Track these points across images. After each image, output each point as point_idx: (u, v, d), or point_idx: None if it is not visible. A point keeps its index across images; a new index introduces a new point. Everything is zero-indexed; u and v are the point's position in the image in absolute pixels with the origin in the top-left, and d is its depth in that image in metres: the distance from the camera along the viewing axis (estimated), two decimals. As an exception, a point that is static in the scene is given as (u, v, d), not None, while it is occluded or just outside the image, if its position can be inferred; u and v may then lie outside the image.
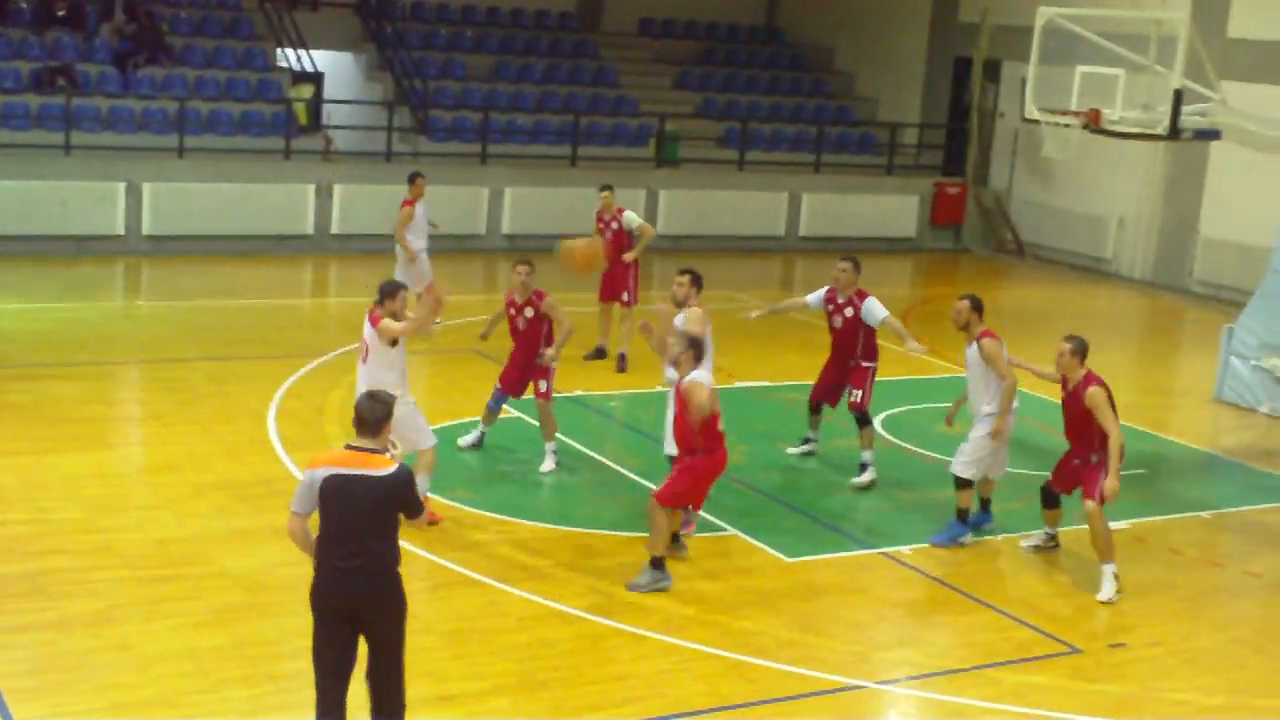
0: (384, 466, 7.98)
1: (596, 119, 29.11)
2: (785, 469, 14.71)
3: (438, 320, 13.34)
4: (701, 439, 11.28)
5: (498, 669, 9.94)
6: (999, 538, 13.25)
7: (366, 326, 12.15)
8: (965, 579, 12.23)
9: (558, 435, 14.26)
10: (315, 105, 28.68)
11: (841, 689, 10.11)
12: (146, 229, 23.80)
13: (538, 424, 14.48)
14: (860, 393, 14.46)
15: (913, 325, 22.01)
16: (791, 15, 35.17)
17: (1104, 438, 11.81)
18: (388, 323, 11.96)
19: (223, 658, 9.83)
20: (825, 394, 14.85)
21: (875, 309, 14.28)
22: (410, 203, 19.65)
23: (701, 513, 13.04)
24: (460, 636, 10.39)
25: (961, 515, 12.98)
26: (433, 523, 11.98)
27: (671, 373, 12.06)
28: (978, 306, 12.88)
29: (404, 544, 8.54)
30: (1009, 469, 13.70)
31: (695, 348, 11.35)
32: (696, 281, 13.08)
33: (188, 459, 13.82)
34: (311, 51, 28.91)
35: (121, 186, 23.60)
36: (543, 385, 14.14)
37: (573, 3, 32.92)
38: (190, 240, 24.00)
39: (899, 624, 11.38)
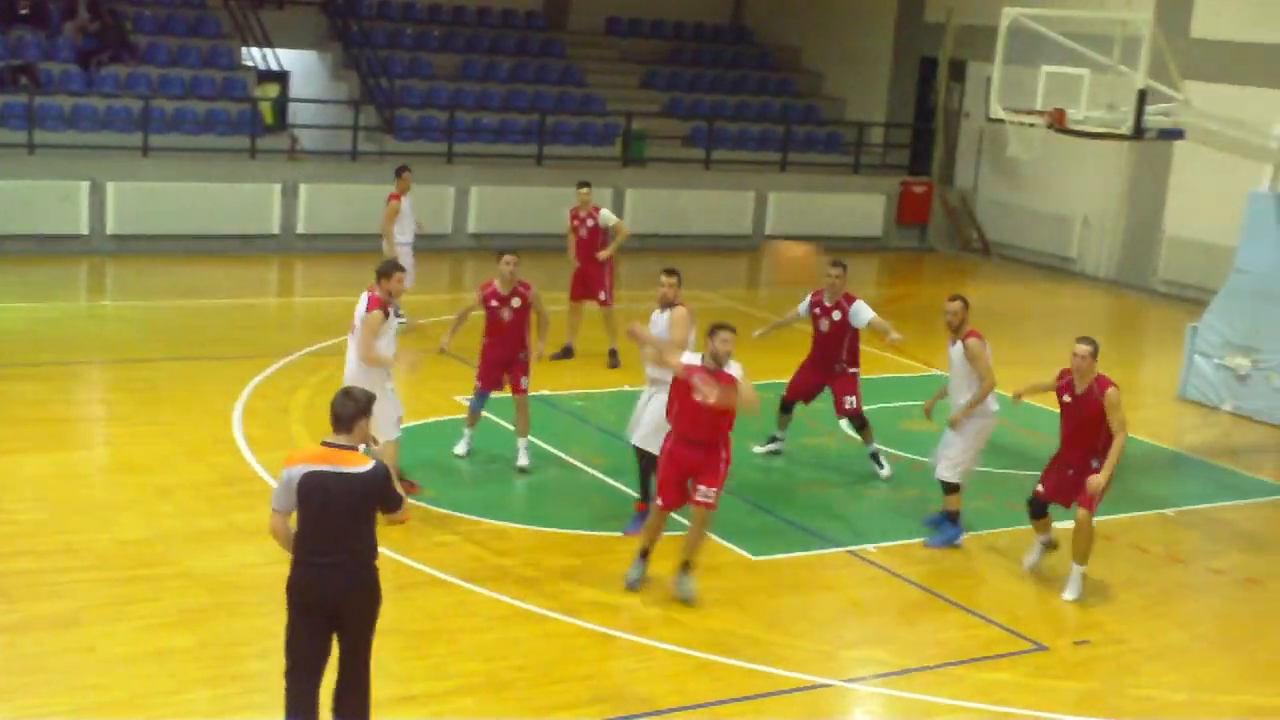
0: (360, 463, 7.99)
1: (563, 118, 29.09)
2: (751, 467, 14.71)
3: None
4: (725, 429, 11.26)
5: (464, 669, 9.93)
6: (964, 535, 13.29)
7: (360, 304, 12.29)
8: (931, 577, 12.27)
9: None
10: (281, 104, 28.58)
11: (808, 687, 10.13)
12: (110, 228, 23.68)
13: (506, 422, 14.47)
14: (853, 399, 14.58)
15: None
16: (758, 15, 35.22)
17: (1108, 441, 11.64)
18: (366, 338, 12.16)
19: (189, 658, 9.80)
20: (801, 393, 14.90)
21: (863, 311, 14.38)
22: (396, 197, 19.66)
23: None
24: (426, 636, 10.37)
25: (953, 518, 13.02)
26: (410, 491, 12.19)
27: (654, 371, 12.21)
28: (967, 307, 13.00)
29: (370, 544, 8.50)
30: (1009, 470, 13.84)
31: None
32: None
33: (152, 459, 13.76)
34: (277, 50, 28.82)
35: (85, 186, 23.48)
36: (523, 381, 14.12)
37: (539, 2, 32.89)
38: (155, 240, 23.89)
39: (865, 622, 11.40)
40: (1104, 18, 19.44)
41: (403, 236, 19.66)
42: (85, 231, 23.55)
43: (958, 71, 30.99)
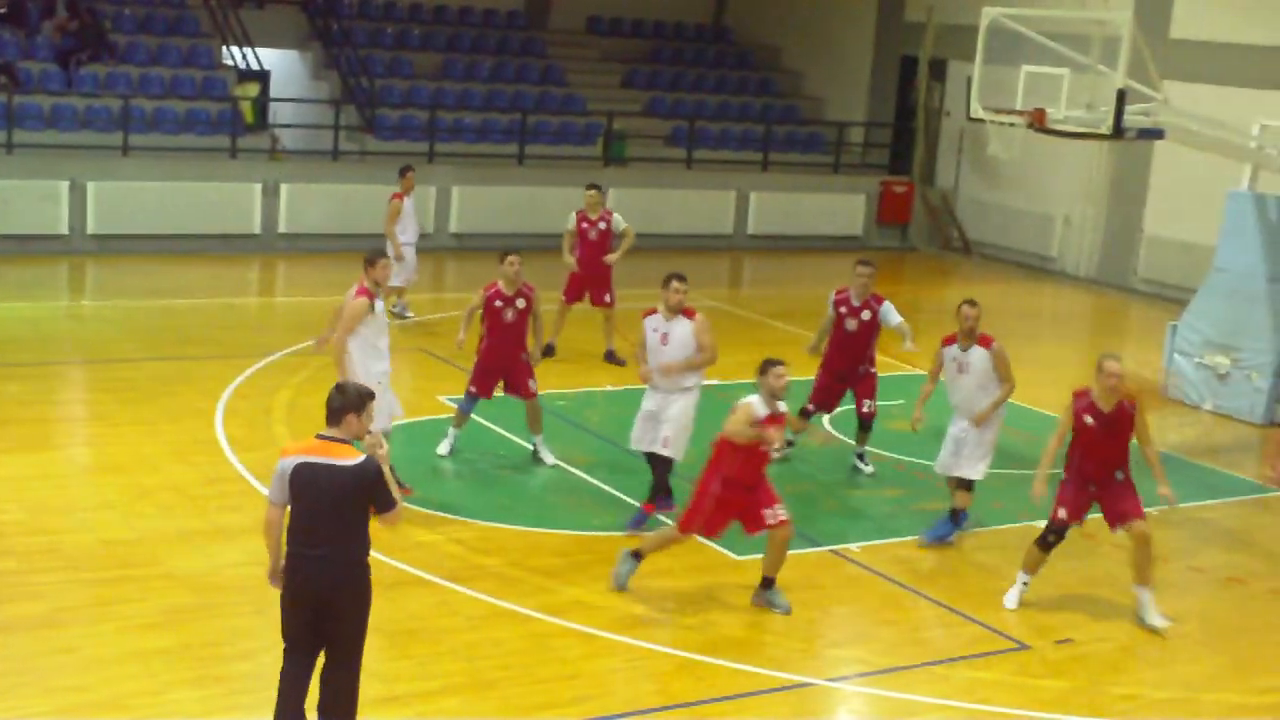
0: (349, 456, 7.99)
1: (544, 117, 29.07)
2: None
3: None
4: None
5: (447, 669, 9.92)
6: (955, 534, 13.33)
7: (349, 293, 12.50)
8: (914, 576, 12.29)
9: (506, 434, 14.24)
10: (261, 103, 28.49)
11: (791, 686, 10.14)
12: (91, 228, 23.60)
13: (488, 421, 14.48)
14: (871, 403, 14.57)
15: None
16: (739, 14, 35.23)
17: (1126, 454, 11.45)
18: (340, 335, 12.27)
19: (171, 659, 9.77)
20: (825, 400, 14.73)
21: (892, 313, 14.39)
22: (400, 196, 19.68)
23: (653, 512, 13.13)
24: (409, 636, 10.36)
25: (956, 516, 13.09)
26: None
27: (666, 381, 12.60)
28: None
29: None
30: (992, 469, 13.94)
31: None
32: None
33: (134, 460, 13.73)
34: (257, 49, 28.73)
35: (65, 185, 23.41)
36: (530, 384, 14.14)
37: (520, 1, 32.87)
38: (135, 239, 23.82)
39: (848, 621, 11.42)
40: (1083, 17, 19.46)
41: (404, 236, 19.70)
42: (65, 231, 23.48)
43: (938, 71, 31.04)
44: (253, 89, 28.33)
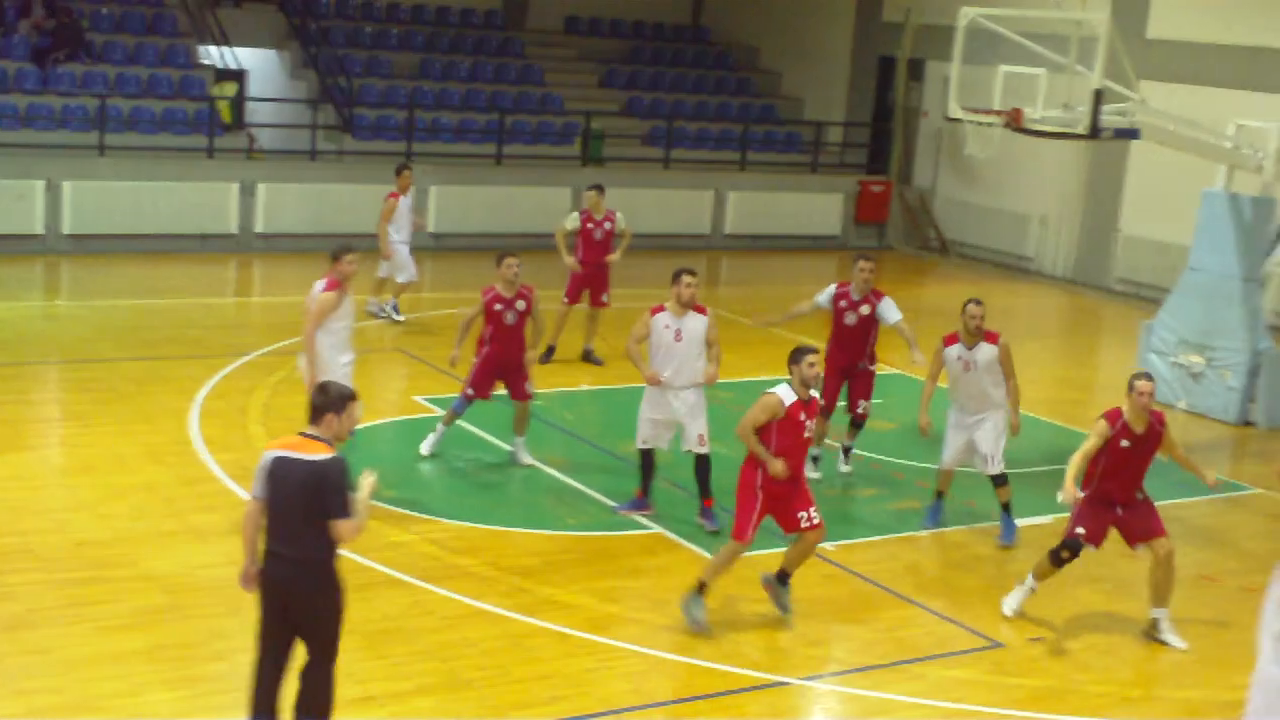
0: (319, 452, 7.97)
1: (522, 117, 29.06)
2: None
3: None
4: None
5: (421, 669, 9.92)
6: (923, 533, 13.36)
7: (315, 287, 12.73)
8: (889, 575, 12.31)
9: (482, 434, 14.23)
10: (238, 103, 28.46)
11: (766, 685, 10.16)
12: (67, 228, 23.54)
13: (463, 421, 14.49)
14: (866, 404, 14.55)
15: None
16: (717, 14, 35.26)
17: (1146, 471, 11.41)
18: (309, 328, 12.44)
19: (145, 661, 9.75)
20: (827, 396, 14.44)
21: (892, 309, 14.32)
22: (395, 195, 19.73)
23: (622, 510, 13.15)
24: (383, 636, 10.35)
25: (1007, 508, 13.26)
26: None
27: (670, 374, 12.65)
28: None
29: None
30: (918, 464, 13.86)
31: None
32: None
33: (108, 460, 13.69)
34: (235, 49, 28.69)
35: (41, 185, 23.33)
36: (527, 386, 14.17)
37: (498, 1, 32.86)
38: (111, 239, 23.76)
39: (823, 620, 11.43)
40: (1060, 18, 19.53)
41: (398, 235, 19.75)
42: (41, 231, 23.40)
43: (916, 71, 31.10)
44: (230, 88, 28.29)
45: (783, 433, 10.67)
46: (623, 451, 15.02)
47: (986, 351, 12.97)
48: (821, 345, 13.47)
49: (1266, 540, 14.01)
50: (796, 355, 10.76)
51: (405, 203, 19.87)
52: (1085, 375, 21.35)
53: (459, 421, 14.53)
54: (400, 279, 20.00)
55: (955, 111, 18.24)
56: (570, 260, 18.22)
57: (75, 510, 12.40)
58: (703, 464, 12.92)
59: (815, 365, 10.72)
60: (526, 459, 14.29)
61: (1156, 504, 11.54)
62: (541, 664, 10.17)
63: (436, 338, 19.12)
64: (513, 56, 31.30)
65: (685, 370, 12.77)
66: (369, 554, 11.59)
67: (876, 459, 15.27)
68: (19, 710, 9.01)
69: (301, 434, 8.14)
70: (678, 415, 12.87)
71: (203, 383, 16.28)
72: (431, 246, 25.85)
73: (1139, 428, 11.17)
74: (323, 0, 30.42)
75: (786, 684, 10.25)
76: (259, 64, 29.97)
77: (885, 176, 31.37)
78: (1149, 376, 11.30)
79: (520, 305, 14.00)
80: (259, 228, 24.95)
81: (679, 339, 12.73)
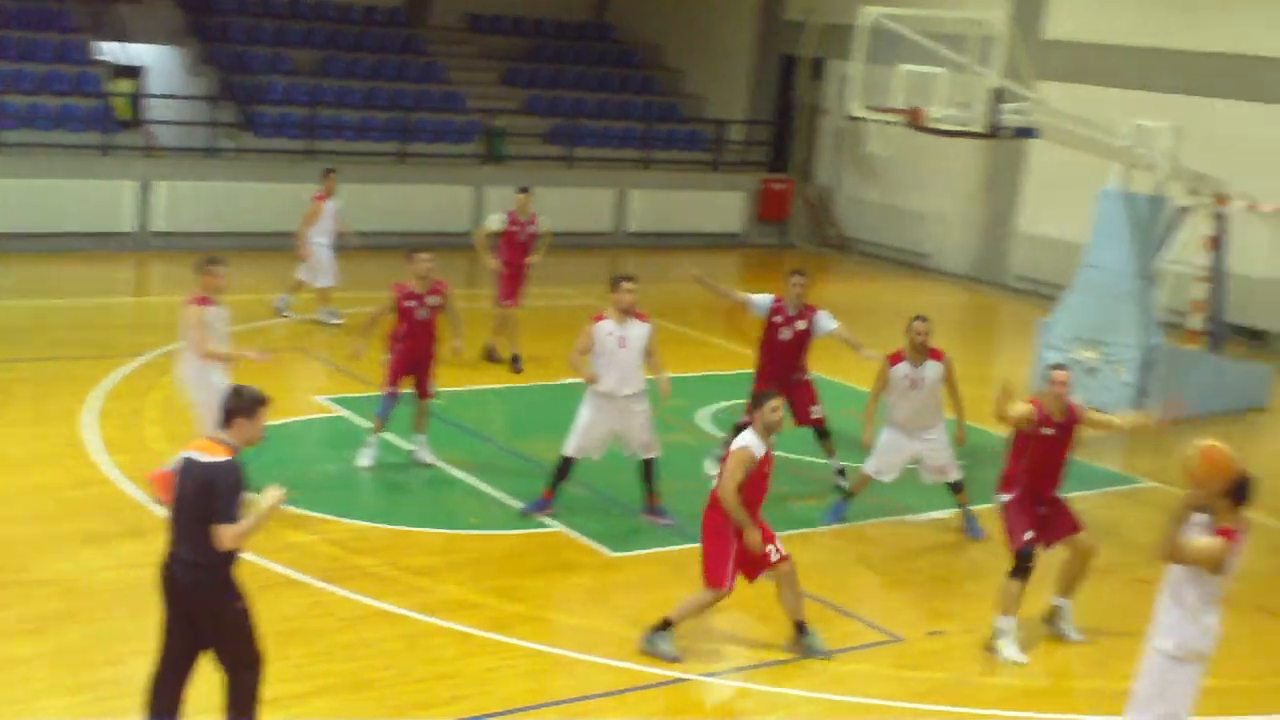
0: (216, 454, 7.89)
1: (424, 115, 28.93)
2: (609, 465, 14.70)
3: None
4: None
5: (322, 670, 9.86)
6: (822, 530, 13.45)
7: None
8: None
9: (383, 434, 14.14)
10: (136, 100, 28.12)
11: (668, 682, 10.19)
12: (-40, 226, 23.18)
13: (366, 420, 14.41)
14: (818, 408, 14.48)
15: (742, 319, 22.25)
16: (620, 12, 35.27)
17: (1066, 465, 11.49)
18: (194, 334, 12.37)
19: (40, 666, 9.62)
20: None
21: (827, 321, 14.33)
22: (321, 198, 19.57)
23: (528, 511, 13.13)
24: (283, 638, 10.24)
25: (967, 510, 13.53)
26: None
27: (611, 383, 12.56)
28: None
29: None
30: (820, 460, 14.02)
31: None
32: None
33: (2, 463, 13.48)
34: (132, 44, 28.33)
35: (-67, 183, 22.98)
36: (431, 385, 14.10)
37: (400, -2, 32.71)
38: (6, 238, 23.36)
39: (724, 617, 11.45)
40: (959, 18, 19.75)
41: (320, 237, 19.60)
42: (-67, 230, 23.04)
43: (818, 69, 31.30)
44: (127, 85, 27.94)
45: (752, 484, 10.47)
46: (525, 450, 15.03)
47: (933, 369, 13.20)
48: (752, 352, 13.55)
49: (1158, 532, 14.18)
50: (759, 400, 10.57)
51: (331, 206, 19.74)
52: (983, 371, 21.48)
53: (359, 421, 14.44)
54: (319, 283, 19.87)
55: (856, 110, 18.39)
56: (493, 262, 18.16)
57: (-32, 513, 12.21)
58: (650, 467, 13.02)
59: (778, 411, 10.47)
60: (428, 458, 14.24)
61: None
62: (442, 663, 10.14)
63: (336, 337, 19.00)
64: (415, 54, 31.16)
65: (630, 378, 12.79)
66: (268, 555, 11.49)
67: (793, 458, 15.34)
68: (-91, 717, 8.87)
69: (210, 436, 8.07)
70: (623, 424, 12.86)
71: (99, 383, 16.08)
72: (336, 245, 25.63)
73: (1058, 416, 11.26)
74: (222, -5, 30.10)
75: (687, 680, 10.27)
76: (157, 60, 29.60)
77: (787, 174, 31.55)
78: (1064, 366, 11.50)
79: (433, 300, 13.95)
80: (157, 226, 24.66)
81: (623, 346, 12.72)
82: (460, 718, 9.41)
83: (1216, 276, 20.14)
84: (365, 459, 13.97)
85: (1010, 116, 17.47)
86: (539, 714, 9.58)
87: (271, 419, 14.10)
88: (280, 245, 24.64)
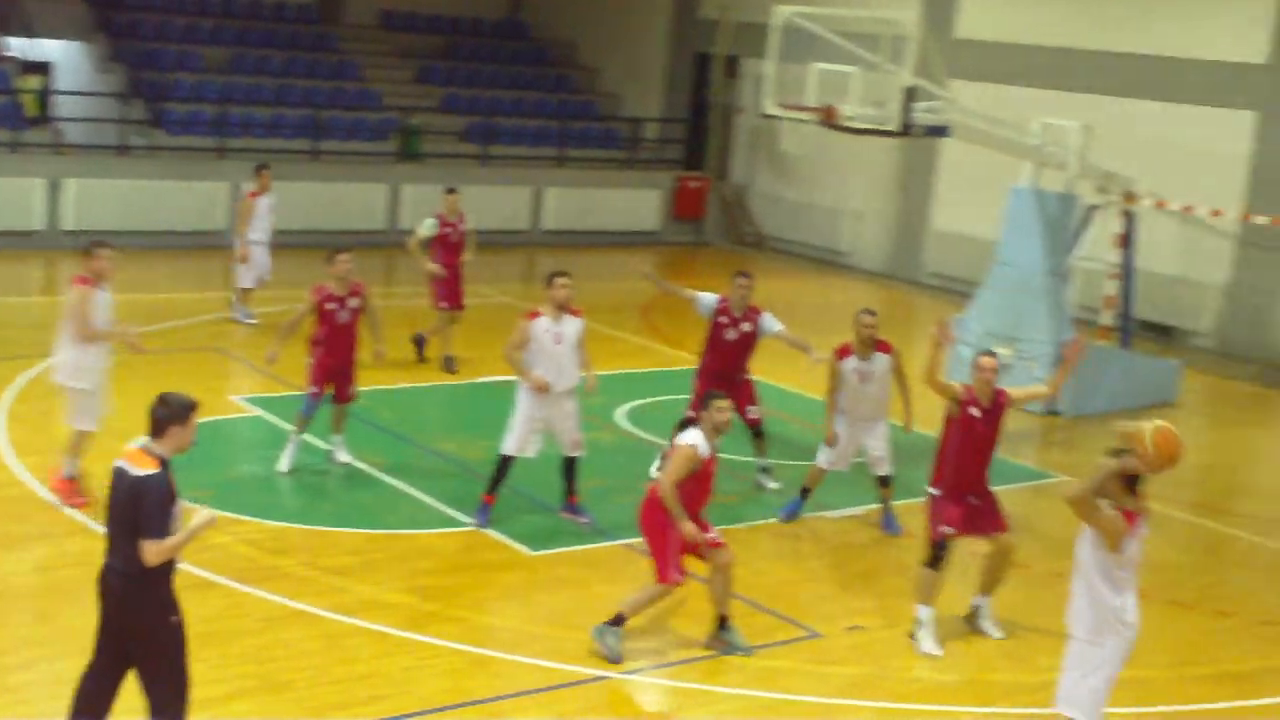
0: (145, 467, 7.78)
1: (337, 113, 28.75)
2: (526, 464, 14.67)
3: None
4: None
5: (239, 671, 9.77)
6: (742, 526, 13.49)
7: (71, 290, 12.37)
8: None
9: (303, 435, 14.00)
10: (44, 96, 27.74)
11: (588, 680, 10.19)
12: None
13: (282, 421, 14.29)
14: (756, 409, 14.45)
15: (655, 316, 22.33)
16: (534, 10, 35.23)
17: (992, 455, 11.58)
18: (77, 315, 12.20)
19: (-52, 670, 9.48)
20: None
21: (773, 323, 14.31)
22: (255, 195, 19.39)
23: (444, 507, 13.08)
24: (199, 640, 10.04)
25: (888, 505, 13.71)
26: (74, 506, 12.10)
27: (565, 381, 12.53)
28: None
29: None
30: (740, 458, 14.06)
31: None
32: None
33: (-91, 465, 13.28)
34: (40, 40, 27.94)
35: None
36: (351, 389, 13.98)
37: (313, -6, 32.49)
38: (-90, 237, 23.06)
39: (643, 614, 11.46)
40: (872, 17, 19.87)
41: (255, 235, 19.49)
42: None
43: (732, 68, 31.39)
44: (35, 81, 27.56)
45: (696, 484, 10.48)
46: (444, 449, 14.98)
47: (882, 362, 13.31)
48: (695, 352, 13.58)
49: (1072, 526, 14.24)
50: (707, 400, 10.58)
51: (265, 203, 19.59)
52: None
53: (276, 420, 14.32)
54: (244, 283, 19.70)
55: (771, 108, 18.46)
56: (432, 266, 18.04)
57: (-126, 517, 12.00)
58: (573, 465, 13.03)
59: (726, 412, 10.49)
60: (344, 457, 14.15)
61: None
62: (360, 664, 10.08)
63: (251, 336, 18.86)
64: (328, 52, 30.96)
65: (565, 374, 12.76)
66: (183, 556, 11.27)
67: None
68: None
69: (141, 446, 7.93)
70: (556, 420, 12.85)
71: (10, 384, 15.85)
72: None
73: (986, 401, 11.38)
74: (131, -9, 29.76)
75: (608, 678, 10.27)
76: (65, 56, 29.23)
77: (702, 172, 31.63)
78: (991, 354, 11.63)
79: (354, 303, 13.82)
80: (67, 225, 24.34)
81: (559, 343, 12.69)
82: (380, 718, 9.36)
83: (1125, 274, 20.41)
84: (285, 464, 13.80)
85: (922, 115, 17.61)
86: (459, 713, 9.55)
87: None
88: (190, 245, 24.49)
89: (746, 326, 14.29)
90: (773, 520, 13.70)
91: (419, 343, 18.25)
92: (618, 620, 10.57)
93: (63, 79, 28.81)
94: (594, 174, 30.37)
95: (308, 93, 29.13)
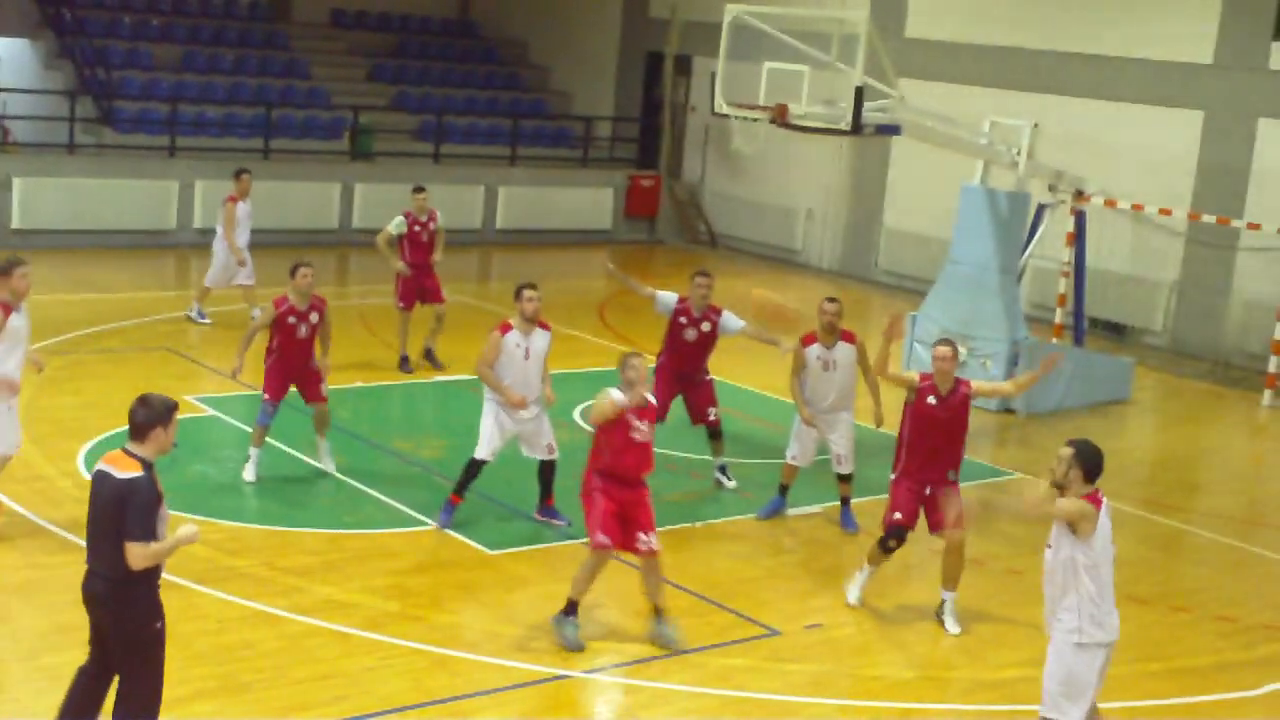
0: (129, 470, 7.74)
1: (288, 111, 28.63)
2: (486, 465, 14.70)
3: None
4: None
5: (199, 673, 9.73)
6: (699, 524, 13.52)
7: None
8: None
9: (262, 445, 13.88)
10: (-10, 95, 27.52)
11: (548, 679, 10.20)
12: None
13: (239, 423, 14.21)
14: (715, 410, 14.40)
15: (610, 315, 22.34)
16: (485, 9, 35.18)
17: (961, 447, 11.70)
18: None
19: (-97, 674, 9.39)
20: (662, 404, 13.98)
21: (734, 321, 14.27)
22: (234, 199, 19.23)
23: (403, 507, 13.07)
24: (158, 642, 10.11)
25: (847, 501, 13.73)
26: None
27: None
28: None
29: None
30: (695, 456, 14.09)
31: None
32: None
33: None
34: (-15, 38, 27.74)
35: None
36: (322, 388, 13.85)
37: (263, -8, 32.33)
38: None
39: (603, 613, 11.47)
40: (822, 16, 19.93)
41: (235, 238, 19.26)
42: None
43: (683, 66, 31.44)
44: (-19, 79, 27.32)
45: (621, 439, 10.64)
46: (401, 449, 14.96)
47: (845, 350, 13.37)
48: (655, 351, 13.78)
49: (1028, 524, 14.47)
50: (621, 361, 10.78)
51: (244, 208, 19.44)
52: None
53: (234, 422, 14.23)
54: (207, 282, 19.59)
55: (722, 107, 18.48)
56: (399, 265, 17.96)
57: None
58: (549, 468, 13.04)
59: (637, 368, 10.65)
60: (328, 462, 14.03)
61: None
62: (321, 664, 10.06)
63: (205, 336, 18.77)
64: (278, 50, 30.82)
65: (533, 387, 12.74)
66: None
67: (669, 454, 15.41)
68: None
69: (124, 449, 7.89)
70: (526, 430, 12.83)
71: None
72: (198, 243, 25.28)
73: (944, 389, 11.47)
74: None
75: (568, 677, 10.28)
76: (11, 53, 28.96)
77: (655, 171, 31.66)
78: (948, 342, 11.69)
79: (313, 318, 13.67)
80: (14, 224, 24.13)
81: (528, 357, 12.67)
82: (341, 718, 9.34)
83: (1077, 272, 20.55)
84: (249, 474, 13.65)
85: (873, 114, 17.67)
86: (420, 713, 9.54)
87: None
88: (142, 244, 24.34)
89: (706, 326, 14.28)
90: (733, 519, 13.72)
91: (429, 355, 18.16)
92: (571, 608, 10.68)
93: (9, 76, 28.56)
94: (546, 173, 30.36)
95: (259, 91, 28.99)
